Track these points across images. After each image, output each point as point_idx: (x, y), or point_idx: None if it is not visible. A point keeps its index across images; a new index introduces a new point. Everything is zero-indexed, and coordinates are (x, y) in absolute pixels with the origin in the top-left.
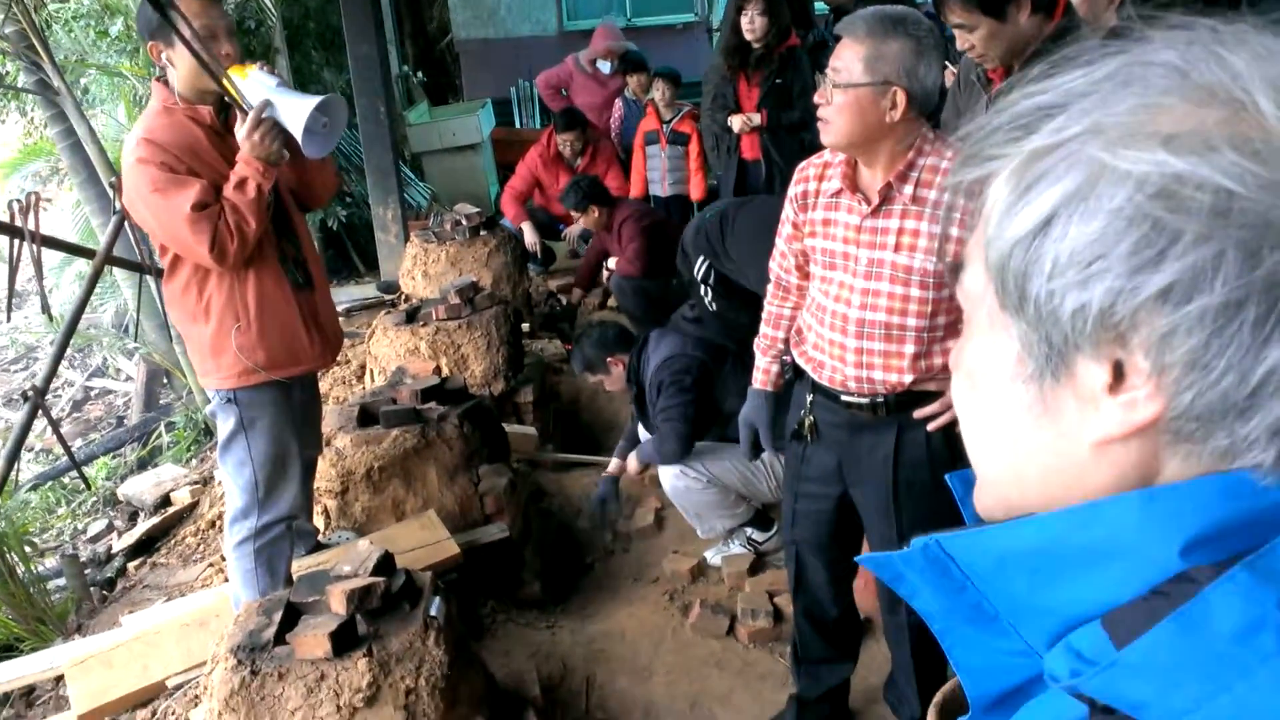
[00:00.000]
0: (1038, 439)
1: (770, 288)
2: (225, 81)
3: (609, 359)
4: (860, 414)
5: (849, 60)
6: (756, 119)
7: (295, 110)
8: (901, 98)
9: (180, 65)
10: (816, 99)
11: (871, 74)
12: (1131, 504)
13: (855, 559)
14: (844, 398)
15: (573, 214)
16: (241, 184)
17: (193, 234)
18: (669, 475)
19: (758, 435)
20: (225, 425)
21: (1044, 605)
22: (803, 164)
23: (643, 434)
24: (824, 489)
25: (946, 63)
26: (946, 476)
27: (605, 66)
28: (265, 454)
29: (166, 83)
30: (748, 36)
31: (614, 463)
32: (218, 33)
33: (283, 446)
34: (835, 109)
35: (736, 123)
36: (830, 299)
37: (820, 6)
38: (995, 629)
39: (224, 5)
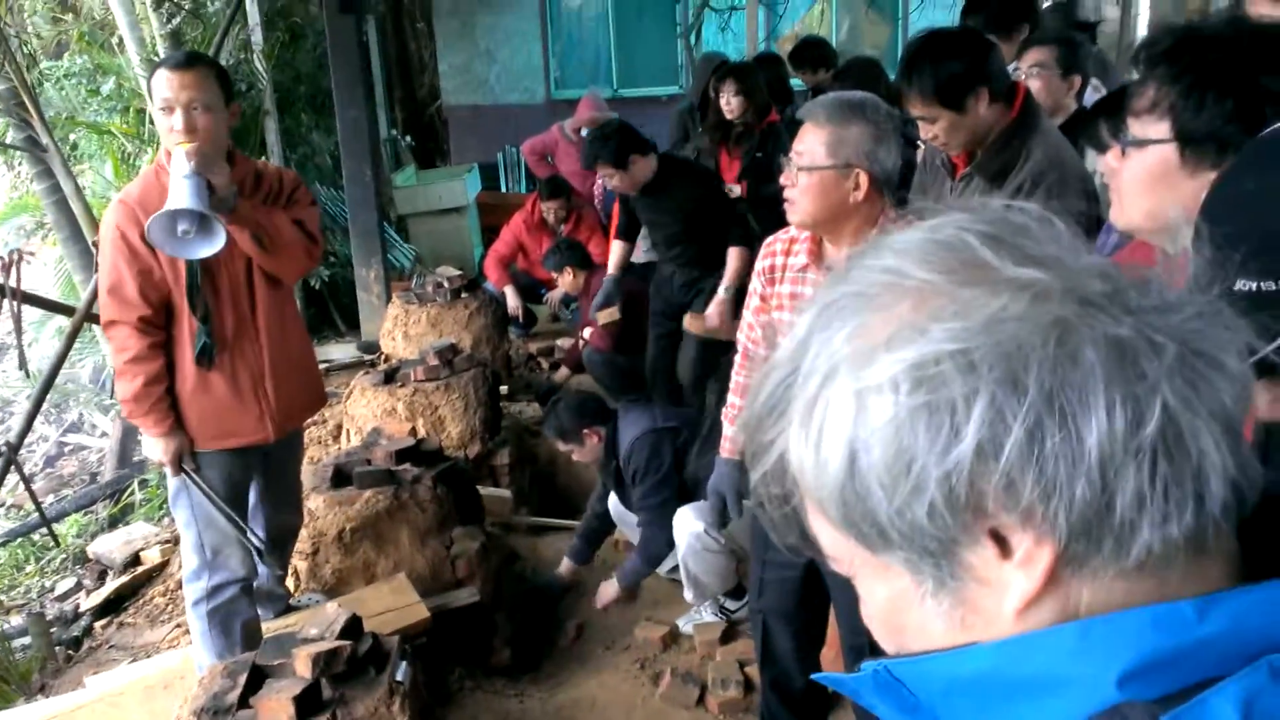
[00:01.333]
0: (973, 639)
1: (738, 359)
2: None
3: (584, 430)
4: None
5: (811, 144)
6: (737, 190)
7: (172, 200)
8: (864, 179)
9: (160, 128)
10: (782, 180)
11: (834, 157)
12: (1067, 636)
13: (812, 675)
14: None
15: (552, 274)
16: (139, 399)
17: (107, 304)
18: (686, 533)
19: (726, 503)
20: (171, 485)
21: None
22: (769, 239)
23: (613, 505)
24: (791, 557)
25: (920, 141)
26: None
27: None
28: (207, 516)
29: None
30: (726, 115)
31: (565, 564)
32: (174, 107)
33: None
34: (800, 190)
35: None
36: None
37: (797, 83)
38: None
39: (202, 76)
